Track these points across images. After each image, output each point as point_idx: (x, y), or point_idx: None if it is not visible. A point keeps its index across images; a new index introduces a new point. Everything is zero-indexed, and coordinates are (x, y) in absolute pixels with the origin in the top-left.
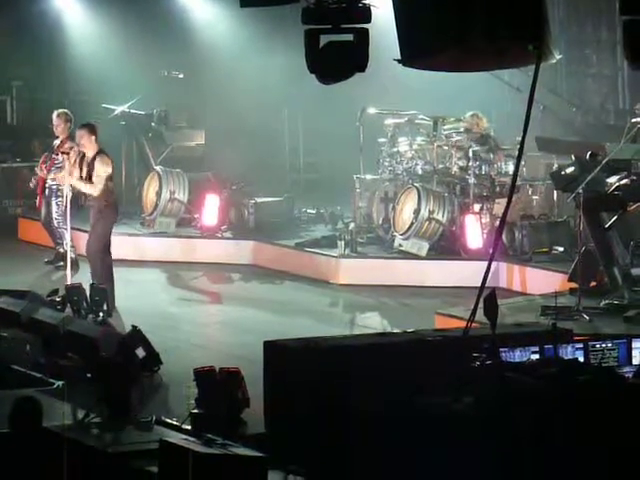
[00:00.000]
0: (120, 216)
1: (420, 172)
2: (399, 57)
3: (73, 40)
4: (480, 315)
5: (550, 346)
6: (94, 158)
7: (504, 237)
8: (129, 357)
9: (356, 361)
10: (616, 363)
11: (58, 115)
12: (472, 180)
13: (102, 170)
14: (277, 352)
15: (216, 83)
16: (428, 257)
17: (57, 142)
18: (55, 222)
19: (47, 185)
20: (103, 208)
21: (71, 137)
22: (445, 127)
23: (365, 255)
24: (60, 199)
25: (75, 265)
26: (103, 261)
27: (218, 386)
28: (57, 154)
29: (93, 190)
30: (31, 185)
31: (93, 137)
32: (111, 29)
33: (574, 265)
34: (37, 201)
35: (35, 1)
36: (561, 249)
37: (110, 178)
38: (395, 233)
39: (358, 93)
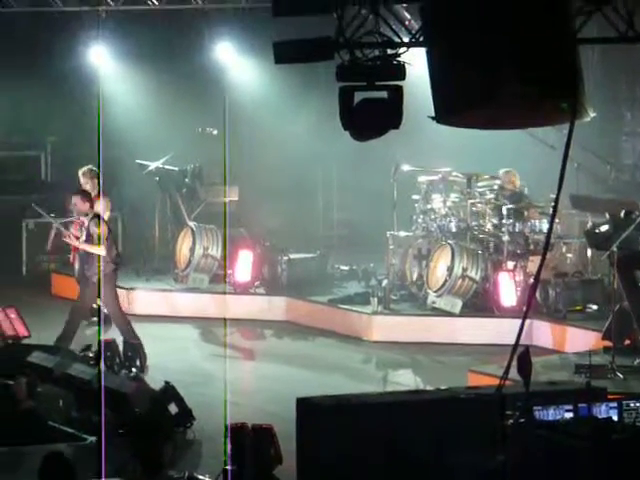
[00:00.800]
0: (153, 272)
1: (454, 229)
2: (433, 114)
3: (108, 96)
4: (513, 373)
5: (584, 405)
6: (90, 221)
7: (538, 295)
8: (162, 413)
9: (389, 419)
10: None
11: (83, 173)
12: (506, 237)
13: (97, 231)
14: (310, 409)
15: (250, 139)
16: (461, 314)
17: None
18: None
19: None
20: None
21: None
22: (479, 184)
23: (398, 312)
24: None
25: (108, 321)
26: (126, 317)
27: (251, 442)
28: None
29: (99, 251)
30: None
31: (87, 202)
32: (146, 85)
33: (608, 323)
34: (71, 257)
35: (70, 57)
36: (595, 307)
37: (106, 238)
38: (428, 290)
39: (392, 150)
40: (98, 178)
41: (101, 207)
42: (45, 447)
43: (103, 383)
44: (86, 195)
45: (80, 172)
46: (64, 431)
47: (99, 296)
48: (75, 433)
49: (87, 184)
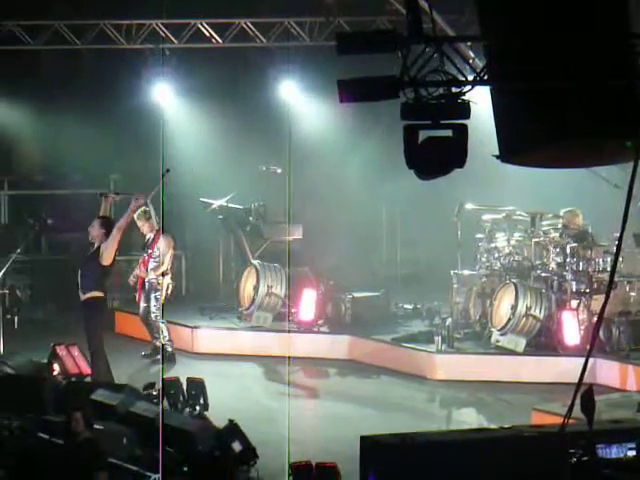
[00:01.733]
0: (217, 310)
1: (517, 268)
2: (497, 153)
3: (171, 134)
4: (577, 411)
5: None
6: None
7: (601, 333)
8: (226, 451)
9: (452, 457)
10: None
11: (138, 217)
12: (570, 276)
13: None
14: (374, 447)
15: (314, 178)
16: (525, 353)
17: (149, 238)
18: (153, 315)
19: (146, 280)
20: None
21: (163, 231)
22: (543, 223)
23: (462, 351)
24: (159, 293)
25: (172, 358)
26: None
27: None
28: (151, 250)
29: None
30: (131, 283)
31: (102, 229)
32: (209, 123)
33: None
34: (137, 296)
35: (134, 95)
36: None
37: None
38: (492, 329)
39: (456, 188)
40: (152, 217)
41: (162, 245)
42: None
43: (166, 421)
44: (104, 222)
45: (135, 216)
46: (128, 468)
47: (155, 334)
48: (139, 471)
49: (143, 226)
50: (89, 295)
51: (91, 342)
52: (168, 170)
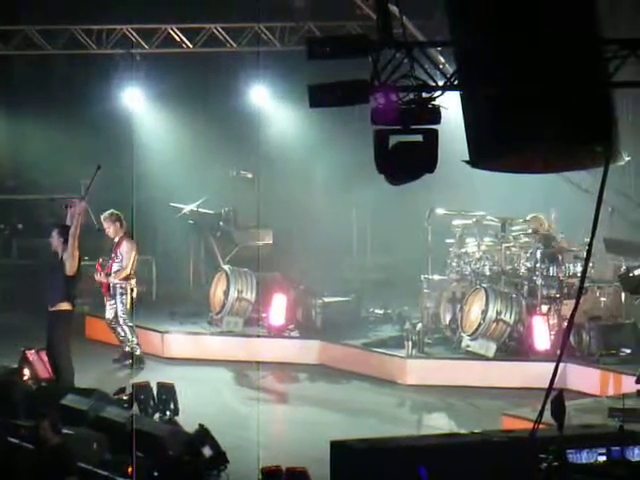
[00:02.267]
0: (187, 315)
1: (488, 273)
2: (467, 158)
3: (142, 138)
4: (547, 416)
5: (617, 448)
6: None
7: (572, 338)
8: (196, 456)
9: (423, 462)
10: None
11: (104, 218)
12: (540, 281)
13: None
14: (344, 452)
15: (284, 183)
16: (495, 358)
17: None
18: (120, 320)
19: (111, 284)
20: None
21: (128, 235)
22: (513, 228)
23: (432, 355)
24: (124, 297)
25: (141, 362)
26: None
27: None
28: (114, 253)
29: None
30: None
31: (62, 237)
32: (180, 128)
33: None
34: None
35: (104, 99)
36: (628, 351)
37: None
38: (463, 334)
39: (426, 194)
40: (120, 221)
41: (125, 249)
42: None
43: (137, 426)
44: (61, 231)
45: (102, 217)
46: (98, 473)
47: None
48: (109, 476)
49: (109, 228)
50: (56, 308)
51: (55, 352)
52: (99, 167)
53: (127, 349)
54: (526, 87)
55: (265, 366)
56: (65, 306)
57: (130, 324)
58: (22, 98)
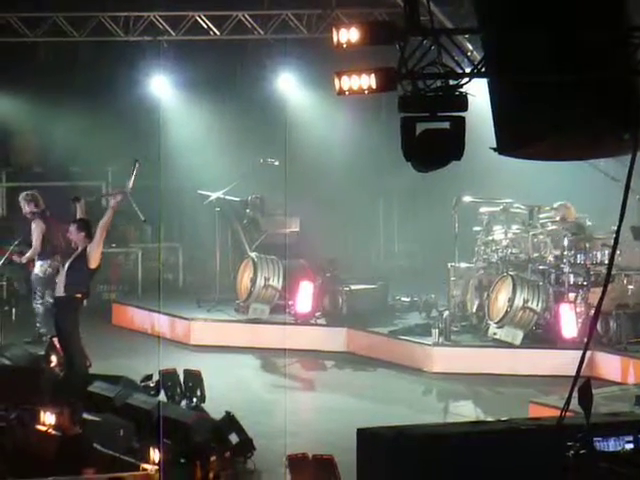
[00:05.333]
0: (213, 302)
1: (515, 261)
2: (495, 145)
3: (169, 126)
4: (574, 404)
5: None
6: None
7: (599, 326)
8: (222, 443)
9: (449, 449)
10: None
11: (20, 198)
12: (567, 269)
13: None
14: (370, 439)
15: (311, 170)
16: (522, 346)
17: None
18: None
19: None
20: None
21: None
22: (540, 216)
23: (459, 343)
24: (34, 276)
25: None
26: None
27: (311, 473)
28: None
29: None
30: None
31: (82, 232)
32: (207, 115)
33: None
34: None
35: (132, 87)
36: None
37: None
38: (489, 321)
39: (453, 181)
40: (35, 202)
41: (33, 228)
42: (106, 477)
43: (163, 413)
44: (81, 224)
45: (20, 196)
46: (124, 461)
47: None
48: (135, 463)
49: (24, 208)
50: (70, 294)
51: (66, 339)
52: (137, 160)
53: (42, 330)
54: (554, 74)
55: (292, 353)
56: (79, 295)
57: (39, 302)
58: (49, 85)
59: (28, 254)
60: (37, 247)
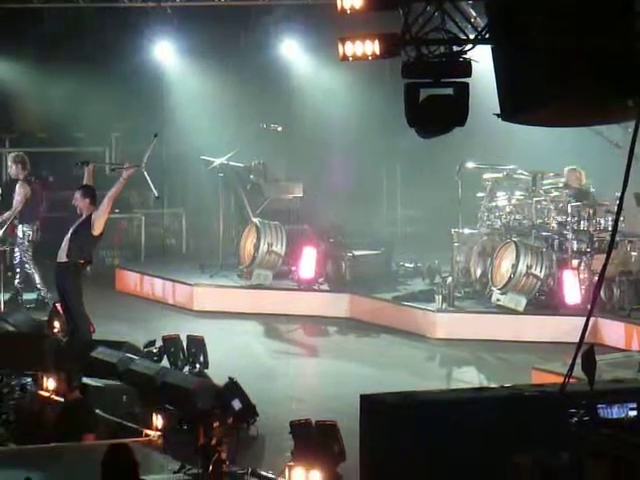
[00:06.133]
0: (216, 268)
1: (518, 227)
2: (498, 111)
3: (172, 92)
4: (578, 371)
5: None
6: None
7: (602, 293)
8: (225, 409)
9: (452, 415)
10: None
11: (11, 158)
12: (570, 235)
13: None
14: (373, 405)
15: (314, 136)
16: (526, 312)
17: None
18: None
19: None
20: None
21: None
22: (544, 182)
23: (462, 309)
24: (18, 239)
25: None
26: None
27: (314, 439)
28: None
29: None
30: None
31: (87, 198)
32: (210, 81)
33: None
34: None
35: (135, 53)
36: None
37: None
38: (493, 288)
39: (457, 147)
40: (23, 164)
41: (16, 192)
42: (108, 442)
43: (166, 379)
44: (86, 191)
45: (9, 157)
46: (127, 426)
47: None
48: (138, 428)
49: (10, 168)
50: (73, 260)
51: (70, 304)
52: (156, 135)
53: (18, 286)
54: (557, 40)
55: (295, 319)
56: (81, 261)
57: (28, 268)
58: (53, 51)
59: (6, 214)
60: (17, 208)
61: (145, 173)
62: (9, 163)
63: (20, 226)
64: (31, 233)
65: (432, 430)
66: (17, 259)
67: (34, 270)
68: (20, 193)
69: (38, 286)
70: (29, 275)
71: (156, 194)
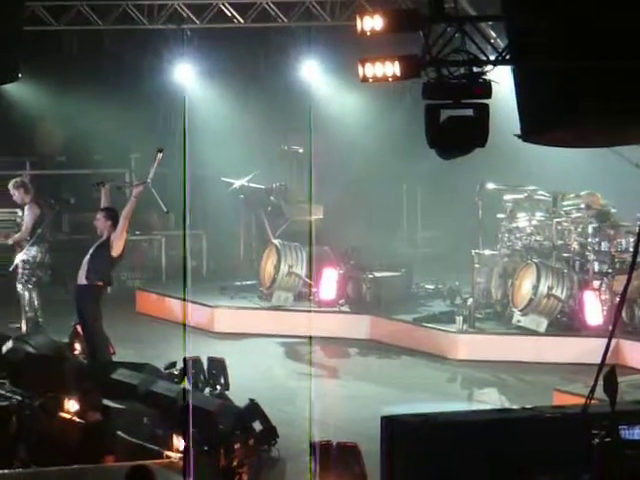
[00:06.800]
0: (237, 289)
1: (539, 248)
2: (519, 132)
3: (193, 113)
4: (599, 392)
5: None
6: None
7: (624, 314)
8: (246, 430)
9: (474, 437)
10: None
11: (12, 185)
12: (592, 256)
13: None
14: (394, 427)
15: (335, 158)
16: (547, 333)
17: None
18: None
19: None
20: None
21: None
22: (565, 203)
23: (483, 331)
24: (21, 261)
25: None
26: None
27: (335, 460)
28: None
29: None
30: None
31: (109, 220)
32: (231, 103)
33: None
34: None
35: (155, 75)
36: None
37: None
38: (514, 309)
39: (477, 168)
40: (25, 188)
41: (25, 214)
42: (130, 464)
43: (188, 401)
44: (109, 213)
45: (9, 184)
46: (148, 448)
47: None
48: (159, 450)
49: (14, 195)
50: (92, 282)
51: (89, 327)
52: (161, 150)
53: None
54: (578, 61)
55: (315, 341)
56: (99, 282)
57: (29, 287)
58: (73, 74)
59: (16, 236)
60: (26, 231)
61: (152, 189)
62: (11, 191)
63: (27, 247)
64: (39, 254)
65: (453, 451)
66: (21, 281)
67: (24, 291)
68: (30, 214)
69: (25, 307)
70: (18, 293)
71: (165, 209)
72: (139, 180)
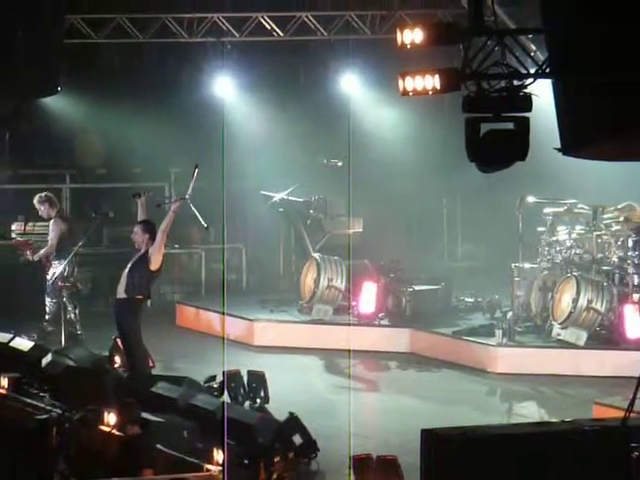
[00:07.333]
0: (277, 303)
1: (579, 261)
2: (559, 146)
3: (232, 127)
4: (639, 405)
5: None
6: None
7: None
8: (286, 444)
9: (514, 450)
10: None
11: (36, 201)
12: (631, 270)
13: None
14: (434, 440)
15: (375, 171)
16: (586, 346)
17: None
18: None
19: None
20: None
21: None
22: (605, 216)
23: (523, 344)
24: (48, 276)
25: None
26: None
27: (375, 474)
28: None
29: None
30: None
31: (147, 234)
32: (270, 116)
33: None
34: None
35: (195, 88)
36: None
37: None
38: (553, 322)
39: (517, 182)
40: (50, 202)
41: (50, 228)
42: (170, 477)
43: (227, 414)
44: (147, 226)
45: (34, 199)
46: (188, 462)
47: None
48: (199, 464)
49: (40, 209)
50: (131, 296)
51: (129, 341)
52: (197, 166)
53: (46, 327)
54: (618, 74)
55: (355, 354)
56: (138, 296)
57: (53, 300)
58: (112, 87)
59: (42, 251)
60: (52, 246)
61: (191, 205)
62: (36, 206)
63: (55, 262)
64: (66, 269)
65: (493, 465)
66: (48, 293)
67: (52, 304)
68: (54, 229)
69: (46, 317)
70: (46, 305)
71: (204, 225)
72: (178, 196)
